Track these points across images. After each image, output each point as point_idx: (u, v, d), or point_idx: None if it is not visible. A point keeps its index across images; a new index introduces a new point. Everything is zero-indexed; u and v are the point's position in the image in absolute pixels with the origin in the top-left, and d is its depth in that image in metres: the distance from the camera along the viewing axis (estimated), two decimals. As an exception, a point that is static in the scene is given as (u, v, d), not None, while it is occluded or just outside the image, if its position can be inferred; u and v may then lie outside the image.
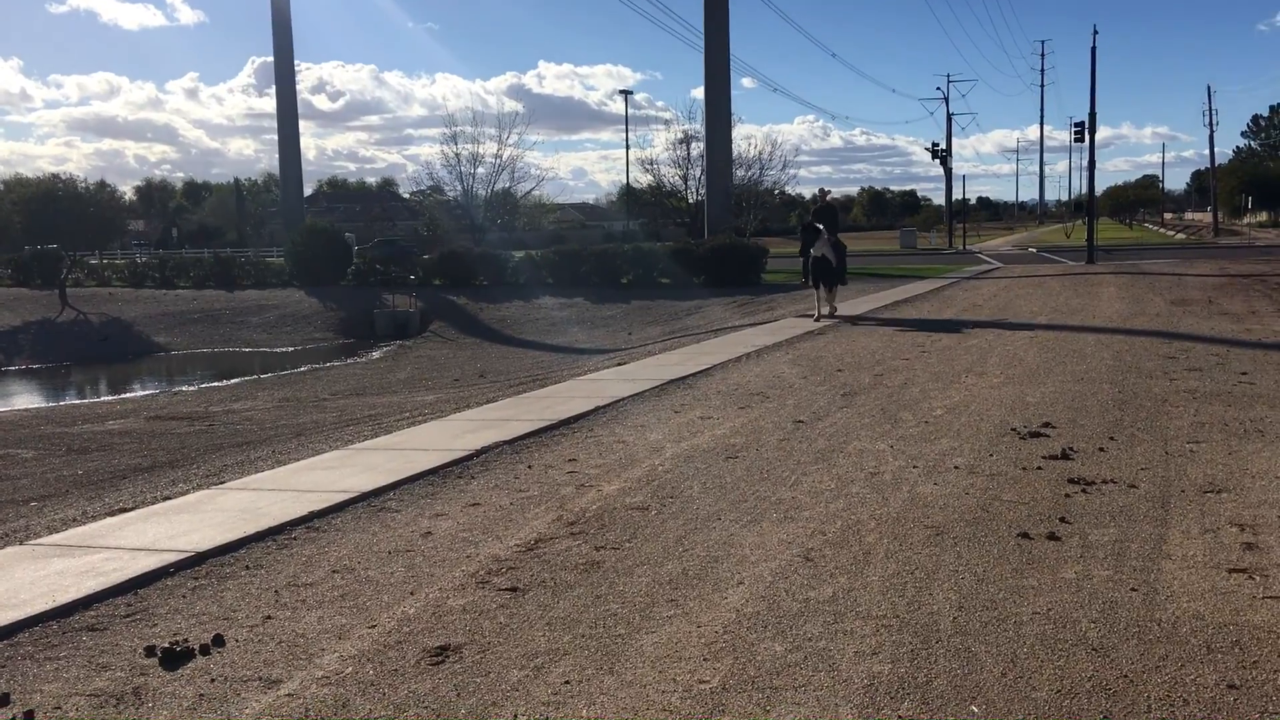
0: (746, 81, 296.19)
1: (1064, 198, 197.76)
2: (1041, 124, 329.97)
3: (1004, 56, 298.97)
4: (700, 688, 4.30)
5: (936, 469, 8.02)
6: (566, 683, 4.38)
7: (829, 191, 27.21)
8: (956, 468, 8.04)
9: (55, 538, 6.94)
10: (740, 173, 56.31)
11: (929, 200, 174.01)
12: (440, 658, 4.67)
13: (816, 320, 21.25)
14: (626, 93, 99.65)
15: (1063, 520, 6.53)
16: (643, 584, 5.58)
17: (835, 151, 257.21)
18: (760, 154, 59.73)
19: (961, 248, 70.71)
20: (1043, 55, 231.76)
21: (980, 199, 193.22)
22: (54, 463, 13.20)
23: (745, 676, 4.39)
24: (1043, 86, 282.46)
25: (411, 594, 5.54)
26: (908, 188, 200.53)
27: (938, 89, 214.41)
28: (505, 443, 9.50)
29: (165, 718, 4.19)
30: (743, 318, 27.52)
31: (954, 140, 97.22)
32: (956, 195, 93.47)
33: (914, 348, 16.24)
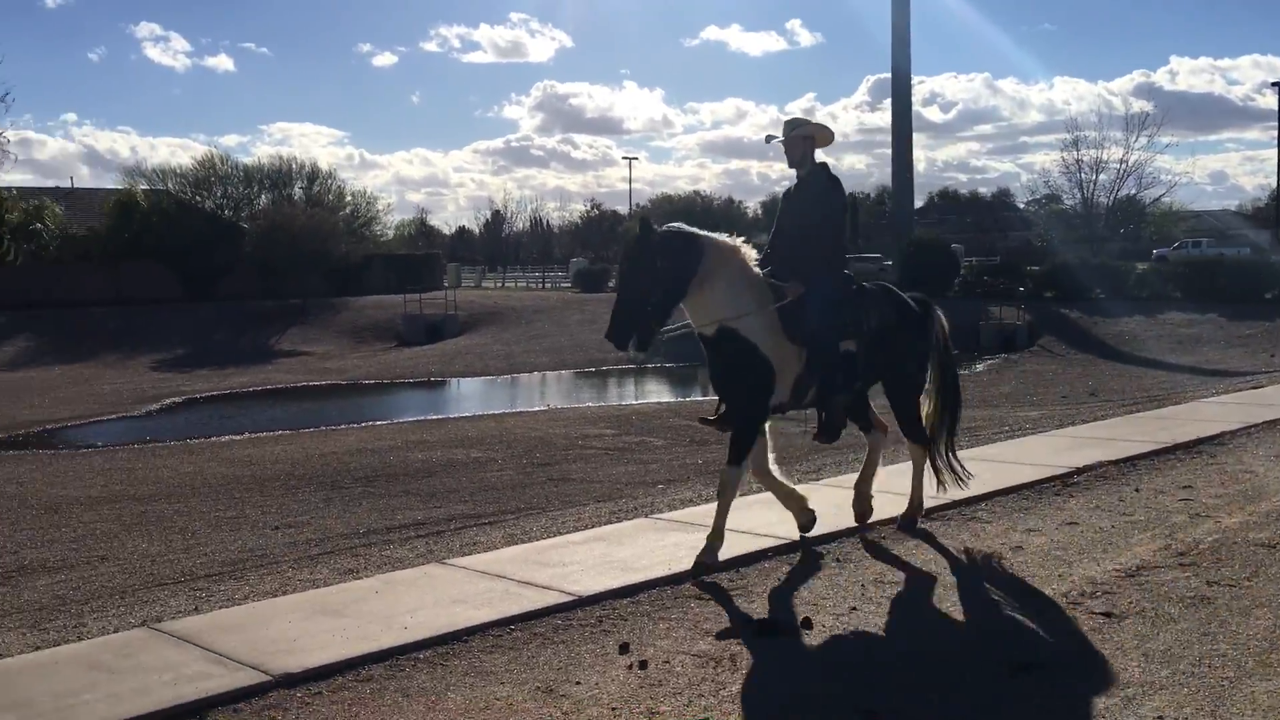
0: None
1: None
2: None
3: None
4: (1327, 753, 3.73)
5: None
6: (1160, 718, 4.02)
7: (809, 127, 6.94)
8: None
9: (674, 514, 7.75)
10: None
11: None
12: (1021, 671, 4.53)
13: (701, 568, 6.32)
14: (1278, 85, 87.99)
15: None
16: (1261, 627, 4.95)
17: None
18: None
19: None
20: None
21: None
22: (678, 451, 14.68)
23: (1389, 751, 3.73)
24: None
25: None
26: None
27: None
28: (1110, 463, 8.91)
29: (754, 686, 4.51)
30: None
31: None
32: None
33: None
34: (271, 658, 4.83)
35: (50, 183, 57.33)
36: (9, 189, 45.43)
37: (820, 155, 7.00)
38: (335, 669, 4.72)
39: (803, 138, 6.89)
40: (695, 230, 6.46)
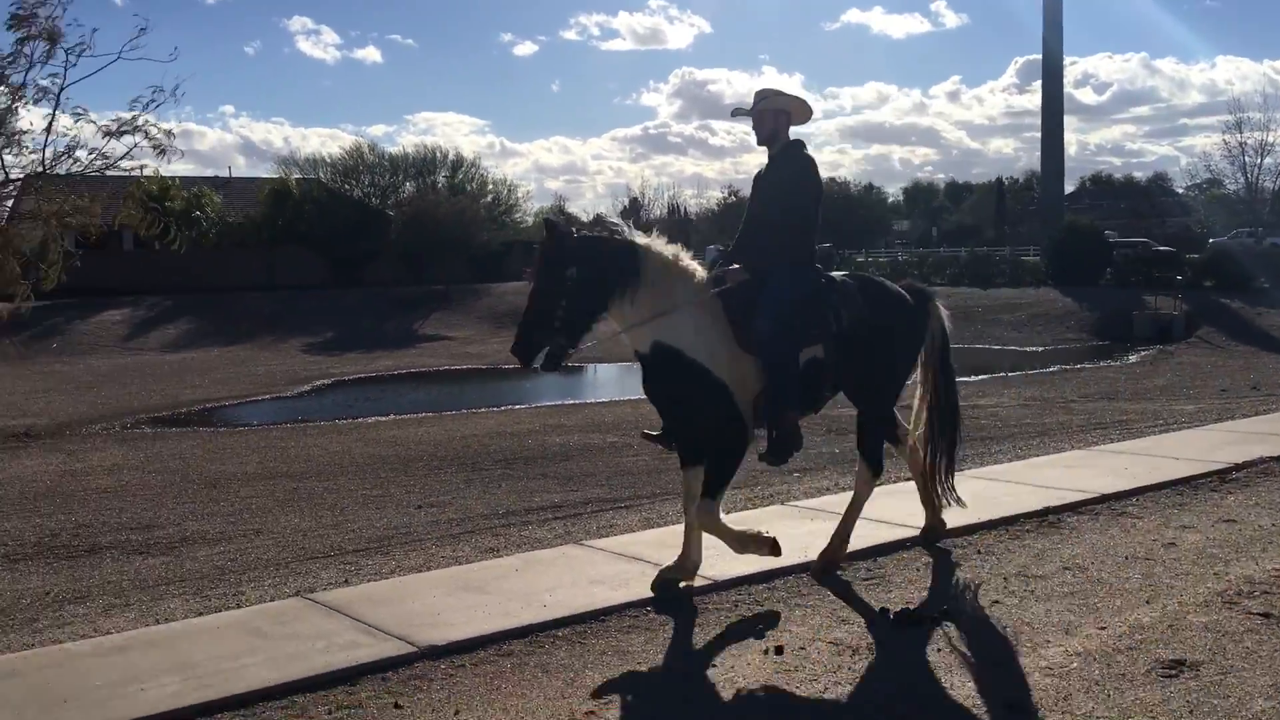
0: None
1: None
2: None
3: None
4: None
5: None
6: (1325, 727, 3.84)
7: (781, 100, 6.11)
8: None
9: (809, 502, 7.71)
10: None
11: None
12: (1174, 671, 4.37)
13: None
14: None
15: None
16: None
17: None
18: None
19: None
20: None
21: None
22: (814, 440, 14.51)
23: None
24: None
25: (1147, 603, 5.24)
26: None
27: None
28: (1273, 459, 8.50)
29: (893, 676, 4.46)
30: None
31: None
32: None
33: None
34: (417, 630, 4.99)
35: (209, 172, 60.04)
36: (172, 178, 47.69)
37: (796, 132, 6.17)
38: (478, 643, 4.86)
39: (774, 111, 6.01)
40: (621, 234, 5.63)
